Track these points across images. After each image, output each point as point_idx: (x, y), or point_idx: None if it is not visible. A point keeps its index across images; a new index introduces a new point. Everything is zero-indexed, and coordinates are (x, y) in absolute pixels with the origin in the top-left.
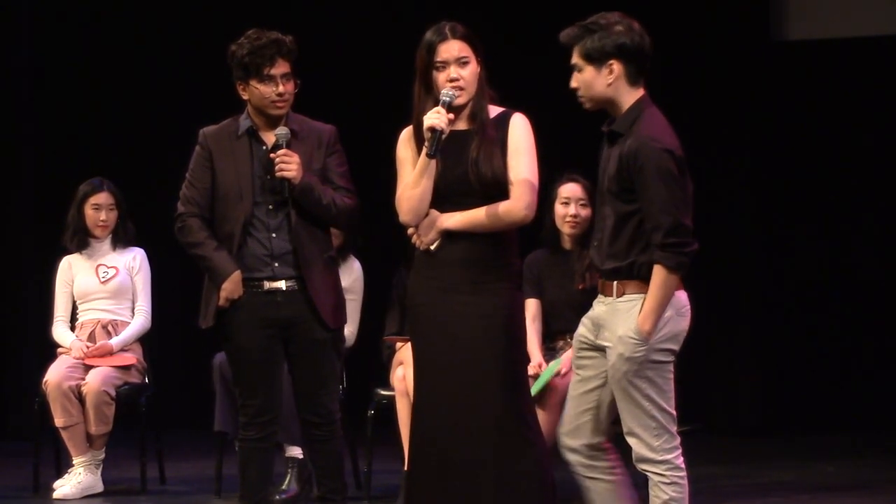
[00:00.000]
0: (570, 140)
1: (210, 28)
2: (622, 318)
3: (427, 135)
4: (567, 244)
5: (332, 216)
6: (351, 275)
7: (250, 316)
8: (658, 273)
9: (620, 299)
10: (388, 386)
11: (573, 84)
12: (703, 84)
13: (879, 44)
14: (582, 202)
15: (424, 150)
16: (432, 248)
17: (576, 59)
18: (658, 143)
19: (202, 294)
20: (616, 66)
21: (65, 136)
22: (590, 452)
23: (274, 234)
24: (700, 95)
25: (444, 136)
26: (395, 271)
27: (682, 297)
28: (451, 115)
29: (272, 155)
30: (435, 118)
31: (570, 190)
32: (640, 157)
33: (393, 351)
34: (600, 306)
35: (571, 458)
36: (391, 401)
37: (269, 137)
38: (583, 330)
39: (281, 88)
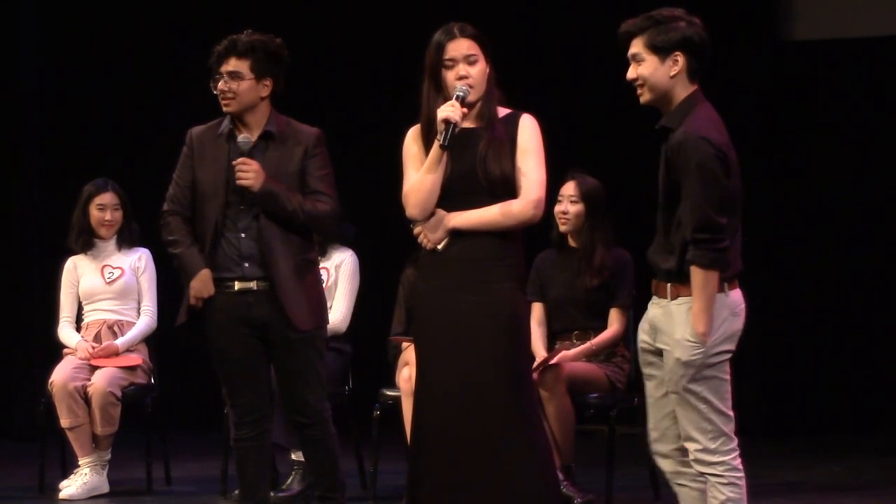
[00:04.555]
0: (576, 141)
1: (216, 29)
2: (679, 321)
3: (441, 127)
4: (572, 242)
5: (299, 222)
6: (334, 262)
7: (226, 316)
8: (694, 273)
9: (675, 301)
10: (393, 386)
11: (630, 75)
12: (708, 83)
13: (886, 44)
14: (573, 198)
15: (437, 142)
16: (439, 247)
17: (637, 48)
18: (703, 137)
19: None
20: (681, 59)
21: (70, 137)
22: (681, 458)
23: (243, 235)
24: (705, 95)
25: (457, 129)
26: (401, 271)
27: (735, 296)
28: (465, 110)
29: (234, 163)
30: (449, 110)
31: (564, 187)
32: (683, 151)
33: (398, 351)
34: (655, 308)
35: (662, 463)
36: (397, 401)
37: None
38: (642, 334)
39: (221, 86)
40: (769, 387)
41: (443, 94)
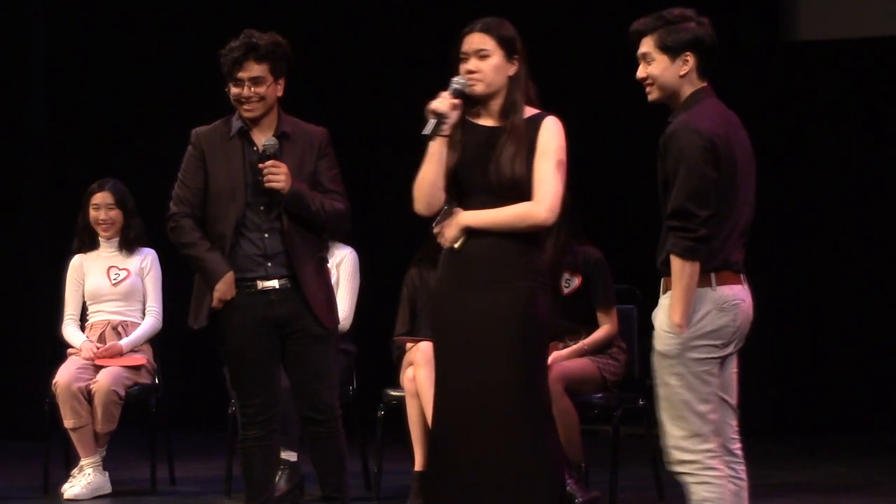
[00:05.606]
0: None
1: (221, 28)
2: (660, 313)
3: (430, 117)
4: None
5: (321, 221)
6: (335, 260)
7: (245, 316)
8: (671, 262)
9: (665, 295)
10: (397, 386)
11: (640, 74)
12: (711, 84)
13: (887, 44)
14: None
15: (424, 133)
16: (456, 245)
17: (647, 48)
18: (691, 127)
19: (192, 294)
20: (691, 59)
21: (75, 136)
22: (726, 457)
23: (266, 235)
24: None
25: (445, 122)
26: (406, 271)
27: (726, 292)
28: (457, 101)
29: (260, 165)
30: (437, 102)
31: None
32: (672, 140)
33: (403, 351)
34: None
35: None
36: (401, 401)
37: (260, 139)
38: None
39: (245, 92)
40: (775, 387)
41: None
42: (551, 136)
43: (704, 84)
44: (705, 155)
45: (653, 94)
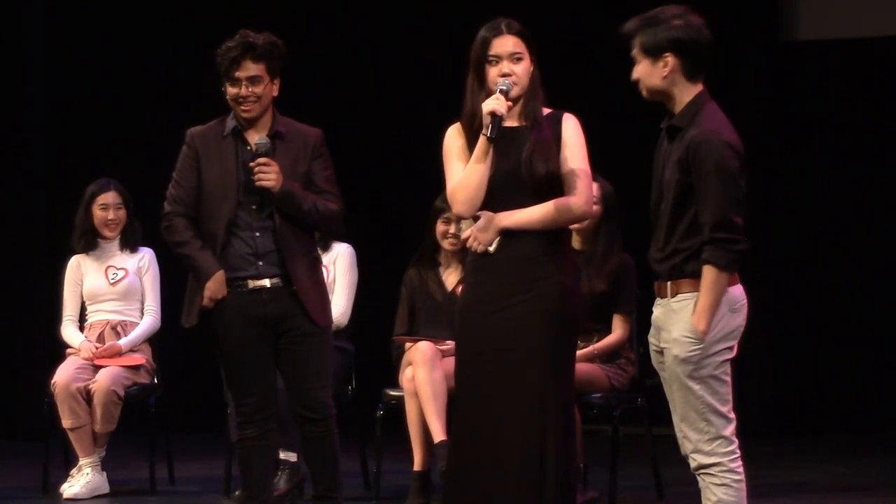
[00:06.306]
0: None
1: (219, 28)
2: (676, 318)
3: (487, 120)
4: (577, 244)
5: (313, 221)
6: (332, 257)
7: (237, 315)
8: (708, 272)
9: (674, 299)
10: (397, 386)
11: (634, 76)
12: (711, 84)
13: (887, 44)
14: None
15: (484, 134)
16: (491, 248)
17: (634, 50)
18: (721, 137)
19: (186, 293)
20: (671, 60)
21: (74, 137)
22: None
23: (258, 234)
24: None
25: (503, 122)
26: (405, 270)
27: (735, 292)
28: (510, 103)
29: (251, 164)
30: (494, 103)
31: None
32: (702, 149)
33: (402, 351)
34: (658, 309)
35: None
36: (400, 401)
37: (254, 139)
38: (650, 337)
39: (243, 91)
40: (774, 386)
41: (485, 90)
42: (575, 131)
43: (699, 86)
44: (740, 166)
45: (644, 94)
